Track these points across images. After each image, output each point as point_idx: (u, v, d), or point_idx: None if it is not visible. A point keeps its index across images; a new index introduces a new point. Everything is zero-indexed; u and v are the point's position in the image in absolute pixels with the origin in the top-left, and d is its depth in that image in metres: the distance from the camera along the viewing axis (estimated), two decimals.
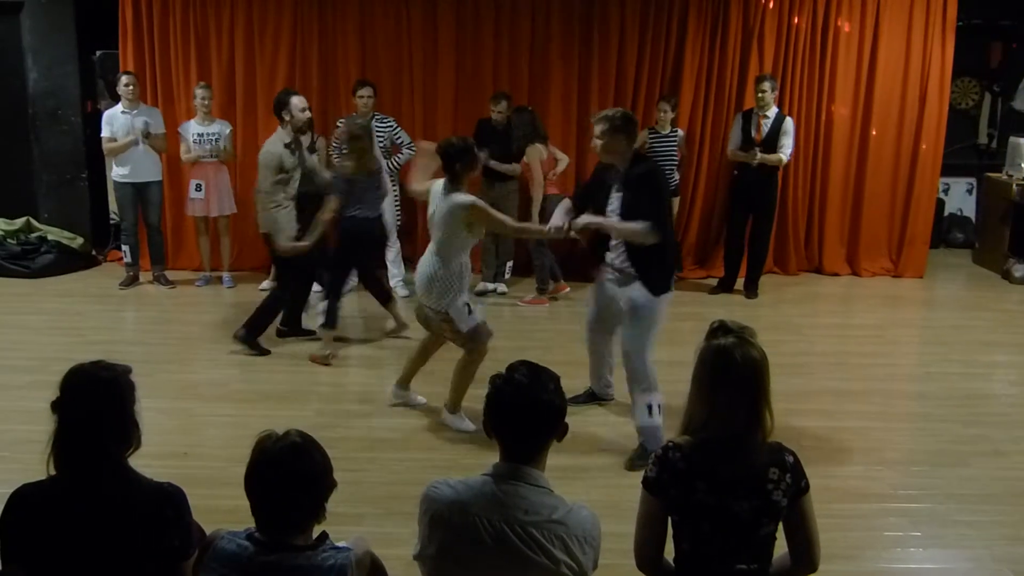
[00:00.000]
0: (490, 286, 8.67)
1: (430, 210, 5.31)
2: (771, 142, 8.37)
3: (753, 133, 8.38)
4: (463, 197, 5.15)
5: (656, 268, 4.99)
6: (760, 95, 8.31)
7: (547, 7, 9.03)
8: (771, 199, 8.60)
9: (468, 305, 5.31)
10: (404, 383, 5.81)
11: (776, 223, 9.27)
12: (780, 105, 8.83)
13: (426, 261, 5.31)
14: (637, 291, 4.98)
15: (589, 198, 5.26)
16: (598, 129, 4.98)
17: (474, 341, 5.32)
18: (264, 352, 6.73)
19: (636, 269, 5.00)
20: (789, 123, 8.45)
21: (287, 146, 6.50)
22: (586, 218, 5.07)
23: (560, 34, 9.06)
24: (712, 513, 2.63)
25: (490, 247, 8.61)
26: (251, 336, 6.71)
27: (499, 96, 8.35)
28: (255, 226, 8.99)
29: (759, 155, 8.31)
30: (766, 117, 8.37)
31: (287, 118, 6.52)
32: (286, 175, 6.45)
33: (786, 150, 8.40)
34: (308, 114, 6.76)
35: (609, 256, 5.24)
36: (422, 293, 5.35)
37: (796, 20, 9.07)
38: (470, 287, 5.57)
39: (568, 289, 8.48)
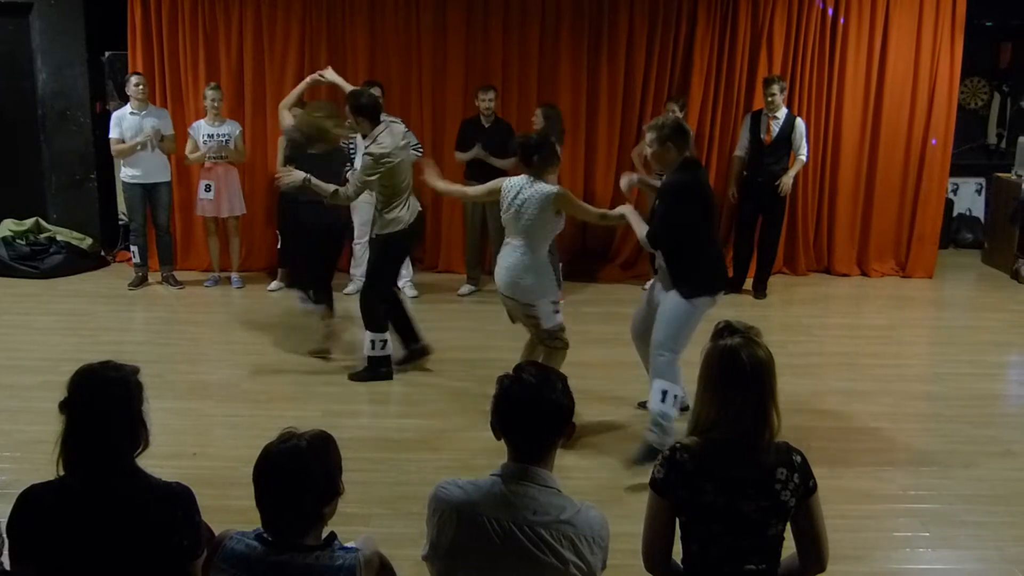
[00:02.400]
0: (470, 288, 8.66)
1: (506, 206, 5.27)
2: (781, 144, 8.36)
3: (763, 135, 8.37)
4: (551, 186, 5.22)
5: (689, 272, 5.00)
6: (770, 98, 8.30)
7: (556, 8, 9.03)
8: (781, 200, 8.59)
9: (555, 303, 5.37)
10: None
11: (786, 223, 9.26)
12: (789, 106, 8.82)
13: (511, 255, 5.26)
14: (672, 292, 5.03)
15: None
16: (648, 137, 5.06)
17: (554, 338, 5.38)
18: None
19: (670, 271, 5.05)
20: (801, 124, 8.45)
21: None
22: (628, 179, 5.42)
23: (569, 35, 9.06)
24: (721, 514, 2.62)
25: (473, 247, 8.61)
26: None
27: (488, 87, 8.38)
28: (263, 227, 9.08)
29: (786, 183, 8.41)
30: (776, 119, 8.36)
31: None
32: None
33: (803, 152, 8.44)
34: None
35: (656, 259, 5.34)
36: (507, 286, 5.29)
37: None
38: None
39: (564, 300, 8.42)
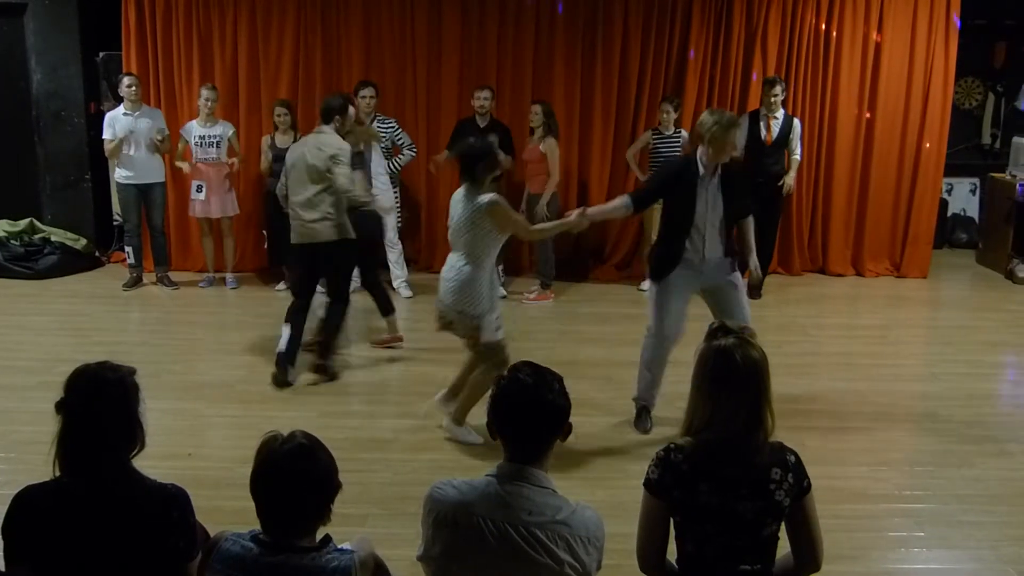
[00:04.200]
0: None
1: (452, 218, 5.20)
2: (780, 144, 8.40)
3: (763, 135, 8.37)
4: (484, 196, 5.07)
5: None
6: (772, 99, 8.32)
7: (551, 8, 9.04)
8: (779, 201, 8.59)
9: (498, 319, 5.27)
10: (460, 420, 5.38)
11: (780, 224, 9.26)
12: (785, 106, 8.84)
13: (454, 266, 5.17)
14: (736, 275, 5.56)
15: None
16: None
17: (492, 353, 5.19)
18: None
19: (751, 248, 5.65)
20: (798, 124, 8.52)
21: None
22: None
23: (564, 35, 9.07)
24: (715, 514, 2.63)
25: None
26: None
27: (484, 87, 8.39)
28: (257, 228, 9.07)
29: (790, 184, 8.48)
30: (775, 119, 8.37)
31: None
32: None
33: (797, 151, 8.51)
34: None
35: (689, 249, 5.48)
36: (450, 297, 5.16)
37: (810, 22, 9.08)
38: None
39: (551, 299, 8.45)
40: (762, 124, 8.40)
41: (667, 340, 5.36)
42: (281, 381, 6.13)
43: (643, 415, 5.52)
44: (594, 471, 4.94)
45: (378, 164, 8.21)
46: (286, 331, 6.23)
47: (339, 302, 6.37)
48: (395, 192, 8.47)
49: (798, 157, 8.54)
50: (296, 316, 6.27)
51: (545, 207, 8.05)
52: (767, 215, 8.57)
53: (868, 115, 9.33)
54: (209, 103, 8.29)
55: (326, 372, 6.31)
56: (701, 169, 5.22)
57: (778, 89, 8.31)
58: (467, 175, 5.15)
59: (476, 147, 5.32)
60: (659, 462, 2.70)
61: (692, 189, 5.22)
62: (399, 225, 8.58)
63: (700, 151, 5.25)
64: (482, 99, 8.23)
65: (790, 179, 8.48)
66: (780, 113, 8.39)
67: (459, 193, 5.19)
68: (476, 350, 5.30)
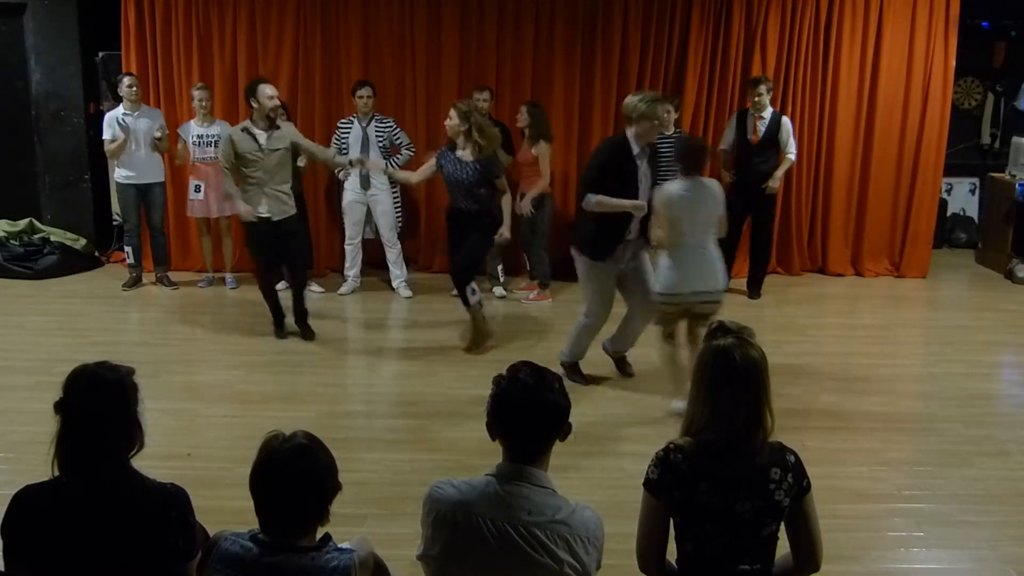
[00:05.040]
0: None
1: (703, 210, 5.54)
2: (768, 143, 8.37)
3: (749, 135, 8.35)
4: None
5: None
6: (757, 98, 8.30)
7: (551, 7, 9.03)
8: (771, 200, 8.58)
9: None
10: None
11: (780, 223, 9.27)
12: (783, 105, 8.84)
13: (713, 251, 5.59)
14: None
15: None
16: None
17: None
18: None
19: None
20: (787, 122, 8.47)
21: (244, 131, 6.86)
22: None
23: (563, 35, 9.06)
24: (715, 514, 2.63)
25: None
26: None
27: (484, 87, 8.39)
28: None
29: (772, 184, 8.43)
30: (762, 118, 8.36)
31: (255, 105, 6.80)
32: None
33: (791, 150, 8.45)
34: (276, 102, 6.97)
35: (633, 228, 5.86)
36: (717, 285, 5.60)
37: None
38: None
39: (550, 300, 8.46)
40: (749, 123, 8.40)
41: (603, 322, 6.08)
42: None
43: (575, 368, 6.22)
44: (593, 471, 4.94)
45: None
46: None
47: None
48: (394, 192, 8.47)
49: (792, 156, 8.49)
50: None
51: (531, 203, 8.10)
52: (760, 215, 8.59)
53: (866, 115, 9.34)
54: (203, 103, 8.29)
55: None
56: (636, 148, 5.67)
57: (762, 88, 8.30)
58: (698, 169, 5.66)
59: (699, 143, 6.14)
60: (659, 462, 2.70)
61: (633, 168, 5.67)
62: (399, 224, 8.57)
63: (630, 132, 5.68)
64: (481, 100, 8.22)
65: (774, 181, 8.41)
66: (768, 112, 8.37)
67: (707, 184, 5.67)
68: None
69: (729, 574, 2.67)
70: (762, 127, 8.35)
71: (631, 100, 5.72)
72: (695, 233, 5.50)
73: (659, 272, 5.61)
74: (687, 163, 5.60)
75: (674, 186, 5.55)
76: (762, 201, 8.49)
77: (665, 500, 2.67)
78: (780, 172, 8.44)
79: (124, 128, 8.19)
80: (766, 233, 8.69)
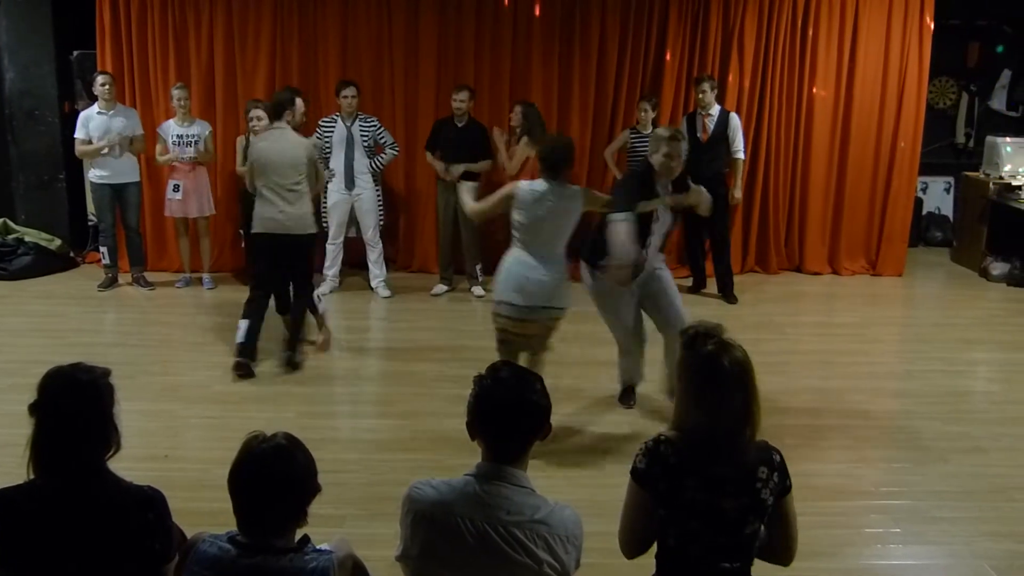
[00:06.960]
0: (443, 288, 8.64)
1: (537, 212, 4.99)
2: (717, 141, 8.37)
3: (699, 134, 8.34)
4: (575, 187, 5.24)
5: None
6: (700, 95, 8.34)
7: (529, 8, 9.03)
8: (721, 200, 8.47)
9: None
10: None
11: (757, 222, 9.30)
12: (760, 106, 8.86)
13: (555, 263, 5.07)
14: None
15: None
16: (683, 148, 5.45)
17: None
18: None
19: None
20: (736, 119, 8.48)
21: None
22: None
23: (541, 34, 9.07)
24: (700, 511, 2.62)
25: (446, 247, 8.59)
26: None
27: (462, 87, 8.35)
28: (234, 228, 9.00)
29: (736, 196, 8.49)
30: (710, 116, 8.38)
31: (288, 118, 6.39)
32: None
33: (739, 147, 8.44)
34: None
35: (653, 241, 5.63)
36: (554, 297, 5.08)
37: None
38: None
39: None
40: (698, 122, 8.41)
41: (630, 344, 5.79)
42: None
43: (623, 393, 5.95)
44: (573, 470, 4.94)
45: (360, 163, 8.21)
46: (244, 324, 6.30)
47: (307, 294, 6.55)
48: (377, 191, 8.46)
49: (740, 155, 8.46)
50: (258, 307, 6.39)
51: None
52: (712, 216, 8.55)
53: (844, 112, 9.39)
54: (182, 102, 8.24)
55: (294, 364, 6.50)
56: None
57: (706, 86, 8.32)
58: (555, 171, 5.05)
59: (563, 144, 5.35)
60: (647, 452, 2.68)
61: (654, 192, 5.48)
62: (381, 225, 8.55)
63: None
64: (459, 100, 8.20)
65: (737, 191, 8.45)
66: (715, 109, 8.39)
67: (541, 186, 5.04)
68: (545, 347, 5.36)
69: (710, 571, 2.67)
70: (711, 124, 8.37)
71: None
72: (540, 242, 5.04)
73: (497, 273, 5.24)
74: (549, 164, 5.07)
75: (534, 184, 5.09)
76: (713, 200, 8.45)
77: (651, 491, 2.66)
78: (738, 180, 8.48)
79: (105, 136, 8.11)
80: (721, 234, 8.63)
